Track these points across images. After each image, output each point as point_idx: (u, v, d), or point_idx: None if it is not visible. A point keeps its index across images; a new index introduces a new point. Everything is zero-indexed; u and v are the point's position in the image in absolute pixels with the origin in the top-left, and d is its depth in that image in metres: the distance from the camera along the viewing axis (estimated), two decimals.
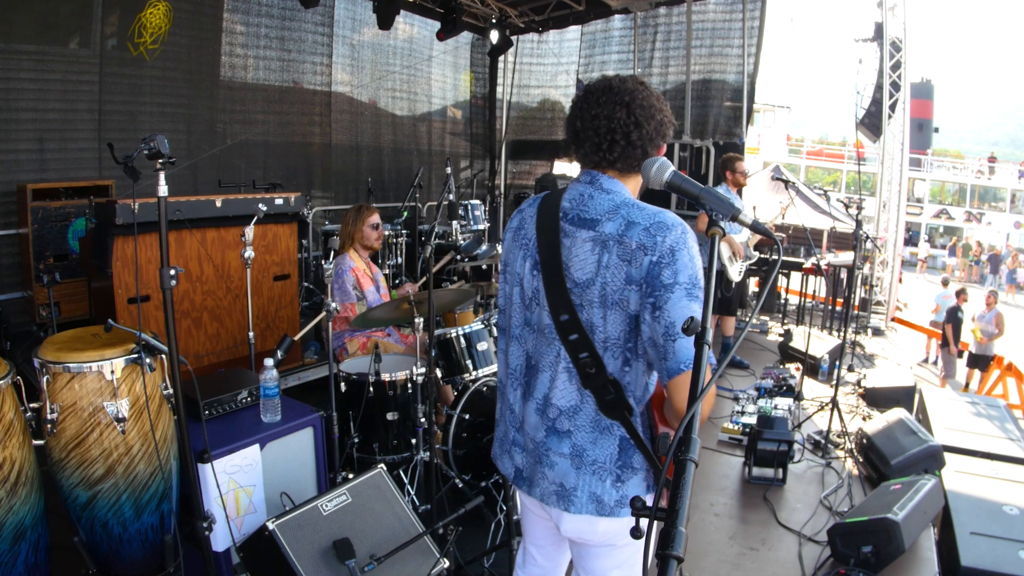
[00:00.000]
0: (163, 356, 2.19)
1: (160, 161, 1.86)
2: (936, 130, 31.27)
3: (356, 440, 3.09)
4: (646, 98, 1.49)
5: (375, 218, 3.73)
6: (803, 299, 7.52)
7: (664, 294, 1.36)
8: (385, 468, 2.47)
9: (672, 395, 1.37)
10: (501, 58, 9.56)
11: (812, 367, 5.24)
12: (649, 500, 1.49)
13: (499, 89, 9.83)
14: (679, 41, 8.36)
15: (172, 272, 1.94)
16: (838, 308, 7.19)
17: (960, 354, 9.11)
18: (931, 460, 3.40)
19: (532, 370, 1.58)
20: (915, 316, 9.65)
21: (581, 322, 1.45)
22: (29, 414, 2.06)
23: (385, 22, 7.21)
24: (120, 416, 2.07)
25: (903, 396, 4.64)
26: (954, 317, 9.07)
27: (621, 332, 1.43)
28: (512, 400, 1.65)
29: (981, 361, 8.78)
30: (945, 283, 12.09)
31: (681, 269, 1.37)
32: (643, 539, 0.92)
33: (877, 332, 7.41)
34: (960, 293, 9.44)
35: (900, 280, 9.17)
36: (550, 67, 9.70)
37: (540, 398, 1.55)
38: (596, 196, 1.51)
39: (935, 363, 10.28)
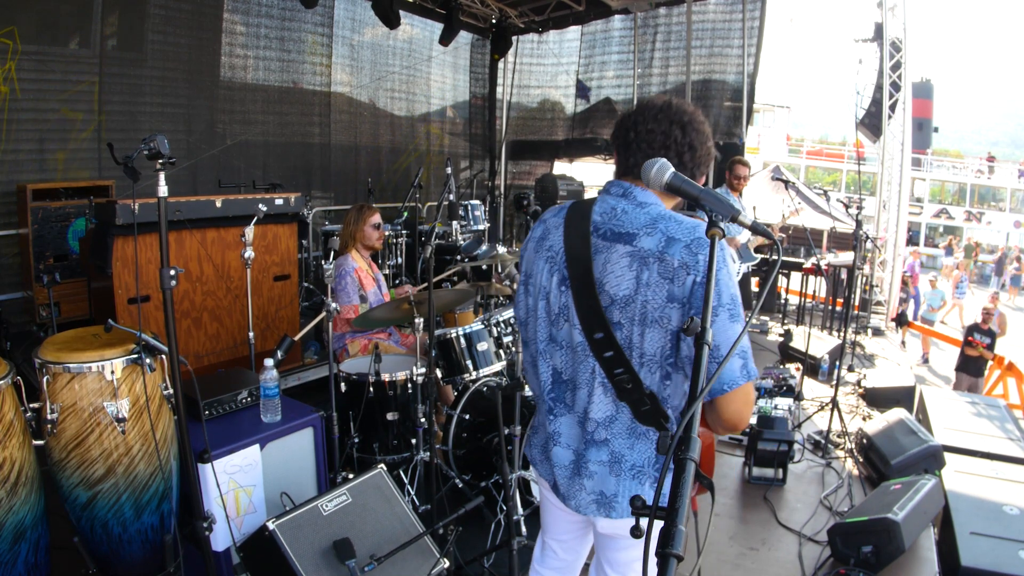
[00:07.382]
0: (163, 356, 2.18)
1: (160, 161, 1.86)
2: (936, 130, 31.26)
3: (356, 440, 3.09)
4: (702, 124, 1.50)
5: (376, 218, 3.76)
6: (803, 299, 7.52)
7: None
8: (385, 468, 2.47)
9: (720, 412, 1.38)
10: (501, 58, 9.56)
11: (812, 367, 5.23)
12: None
13: (499, 89, 9.83)
14: (679, 41, 8.36)
15: (172, 272, 1.94)
16: (838, 308, 7.19)
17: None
18: (931, 460, 3.40)
19: (568, 384, 1.55)
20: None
21: (616, 340, 1.41)
22: (29, 414, 2.06)
23: (391, 21, 7.15)
24: (120, 416, 2.07)
25: (903, 396, 4.64)
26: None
27: (659, 348, 1.40)
28: (544, 414, 1.63)
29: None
30: (934, 283, 12.44)
31: (723, 290, 1.34)
32: None
33: (877, 332, 7.41)
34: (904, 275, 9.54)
35: (913, 282, 9.13)
36: (550, 67, 9.70)
37: (580, 411, 1.53)
38: (630, 210, 1.46)
39: (925, 362, 10.42)
